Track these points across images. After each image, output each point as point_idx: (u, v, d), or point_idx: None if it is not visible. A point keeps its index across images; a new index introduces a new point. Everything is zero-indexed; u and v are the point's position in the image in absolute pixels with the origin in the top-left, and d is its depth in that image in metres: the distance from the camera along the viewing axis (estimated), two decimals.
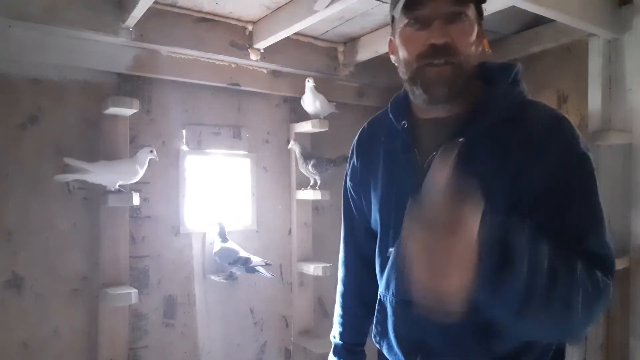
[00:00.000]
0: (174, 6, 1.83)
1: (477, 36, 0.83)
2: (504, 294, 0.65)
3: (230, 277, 2.07)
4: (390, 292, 0.94)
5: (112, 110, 1.74)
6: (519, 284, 0.64)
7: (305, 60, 2.22)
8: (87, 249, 1.81)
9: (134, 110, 1.77)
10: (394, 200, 0.93)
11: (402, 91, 0.97)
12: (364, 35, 2.19)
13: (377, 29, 2.12)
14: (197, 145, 2.11)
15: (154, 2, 1.58)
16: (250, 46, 2.02)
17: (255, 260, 2.03)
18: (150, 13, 1.69)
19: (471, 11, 0.81)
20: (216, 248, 2.04)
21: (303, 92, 2.18)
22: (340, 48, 2.32)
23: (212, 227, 2.10)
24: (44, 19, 1.58)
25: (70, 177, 1.67)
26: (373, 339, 1.01)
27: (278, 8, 1.84)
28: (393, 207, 0.93)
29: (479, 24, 0.84)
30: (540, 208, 0.77)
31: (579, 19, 1.73)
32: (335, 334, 1.15)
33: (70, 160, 1.65)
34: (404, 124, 0.92)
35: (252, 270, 2.02)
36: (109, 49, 1.80)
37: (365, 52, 2.21)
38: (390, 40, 0.90)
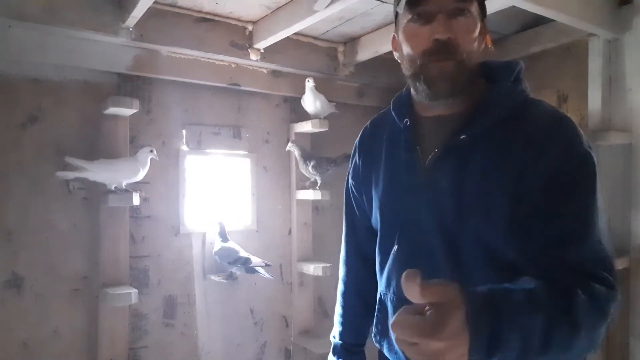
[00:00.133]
0: (174, 6, 1.83)
1: (480, 33, 0.83)
2: None
3: (230, 277, 2.07)
4: (391, 291, 0.94)
5: (112, 110, 1.74)
6: (512, 356, 0.61)
7: (305, 60, 2.22)
8: (87, 249, 1.81)
9: (134, 110, 1.77)
10: (396, 197, 0.93)
11: (404, 90, 0.97)
12: (364, 35, 2.19)
13: (377, 29, 2.11)
14: (197, 145, 2.11)
15: (154, 2, 1.59)
16: (250, 46, 2.02)
17: (255, 260, 2.03)
18: (150, 13, 1.69)
19: (474, 7, 0.81)
20: (216, 247, 2.04)
21: (303, 92, 2.18)
22: (340, 48, 2.32)
23: (212, 226, 2.10)
24: (44, 19, 1.58)
25: (71, 174, 1.67)
26: (373, 339, 1.01)
27: (278, 8, 1.84)
28: (394, 205, 0.93)
29: (482, 21, 0.84)
30: (540, 208, 0.76)
31: (579, 19, 1.73)
32: (335, 334, 1.15)
33: (71, 159, 1.65)
34: (406, 121, 0.92)
35: (251, 270, 2.02)
36: (109, 49, 1.80)
37: (365, 52, 2.21)
38: (394, 37, 0.91)
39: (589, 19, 1.76)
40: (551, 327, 0.64)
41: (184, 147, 2.07)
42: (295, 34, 2.02)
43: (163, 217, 2.00)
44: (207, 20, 1.93)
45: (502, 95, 0.85)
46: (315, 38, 2.23)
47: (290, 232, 2.37)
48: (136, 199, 1.76)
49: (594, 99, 1.93)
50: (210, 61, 2.05)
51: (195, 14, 1.89)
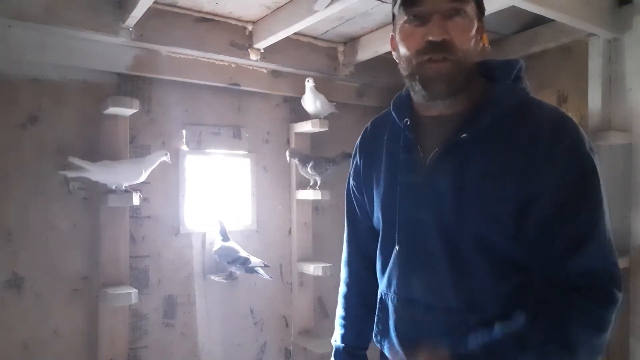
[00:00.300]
0: (174, 6, 1.83)
1: (477, 32, 0.83)
2: None
3: (230, 277, 2.07)
4: (392, 291, 0.93)
5: (112, 110, 1.74)
6: None
7: (305, 60, 2.22)
8: (87, 249, 1.81)
9: (134, 110, 1.77)
10: (397, 197, 0.93)
11: (404, 90, 0.97)
12: (364, 35, 2.20)
13: (377, 29, 2.12)
14: (197, 145, 2.11)
15: (154, 2, 1.59)
16: (250, 46, 2.02)
17: (255, 261, 2.03)
18: (150, 13, 1.69)
19: (470, 7, 0.81)
20: (216, 247, 2.04)
21: (303, 92, 2.18)
22: (340, 48, 2.32)
23: (212, 226, 2.10)
24: (44, 19, 1.58)
25: (73, 173, 1.67)
26: (374, 339, 1.00)
27: (278, 8, 1.84)
28: (395, 204, 0.93)
29: (480, 20, 0.84)
30: (544, 218, 0.77)
31: (579, 19, 1.73)
32: (336, 337, 1.12)
33: (74, 159, 1.65)
34: (407, 121, 0.92)
35: (251, 270, 2.02)
36: (109, 49, 1.80)
37: (365, 52, 2.21)
38: (392, 37, 0.91)
39: (589, 19, 1.76)
40: None
41: (184, 147, 2.07)
42: (295, 34, 2.02)
43: (163, 217, 2.00)
44: (207, 20, 1.93)
45: (501, 94, 0.85)
46: (315, 38, 2.23)
47: (290, 232, 2.37)
48: (136, 199, 1.76)
49: (594, 99, 1.93)
50: (210, 61, 2.05)
51: (195, 14, 1.89)
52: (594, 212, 0.76)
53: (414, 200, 0.89)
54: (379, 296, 1.00)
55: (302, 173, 2.22)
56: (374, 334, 1.00)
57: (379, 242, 0.99)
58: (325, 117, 2.20)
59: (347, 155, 2.15)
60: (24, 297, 1.69)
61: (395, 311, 0.93)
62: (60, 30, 1.65)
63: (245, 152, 2.26)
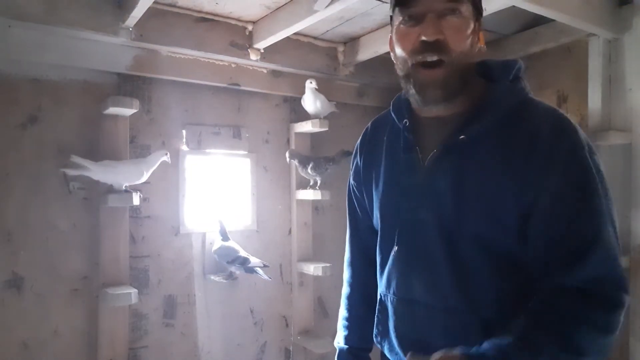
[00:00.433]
0: (174, 6, 1.83)
1: (474, 33, 0.82)
2: None
3: (230, 277, 2.07)
4: (391, 291, 0.93)
5: (112, 110, 1.74)
6: None
7: (305, 60, 2.22)
8: (87, 249, 1.81)
9: (134, 110, 1.77)
10: (395, 198, 0.93)
11: (404, 90, 0.97)
12: (364, 35, 2.20)
13: (377, 29, 2.12)
14: (197, 145, 2.11)
15: (154, 2, 1.59)
16: (250, 46, 2.02)
17: (254, 261, 2.03)
18: (150, 13, 1.69)
19: (465, 7, 0.80)
20: (216, 246, 2.04)
21: (303, 92, 2.18)
22: (340, 48, 2.32)
23: (212, 226, 2.10)
24: (44, 19, 1.58)
25: (74, 171, 1.67)
26: (374, 339, 1.00)
27: (278, 8, 1.84)
28: (394, 205, 0.93)
29: (477, 21, 0.83)
30: (546, 223, 0.77)
31: (578, 19, 1.73)
32: (339, 339, 1.10)
33: (76, 158, 1.65)
34: (406, 122, 0.92)
35: (250, 270, 2.02)
36: (109, 49, 1.80)
37: (365, 52, 2.21)
38: (390, 38, 0.91)
39: (589, 19, 1.76)
40: None
41: (184, 147, 2.07)
42: (295, 33, 2.02)
43: (163, 217, 2.00)
44: (207, 20, 1.93)
45: (501, 94, 0.85)
46: (315, 38, 2.23)
47: (290, 232, 2.37)
48: (136, 199, 1.76)
49: (594, 99, 1.93)
50: (210, 61, 2.05)
51: (195, 14, 1.89)
52: (596, 218, 0.76)
53: (414, 201, 0.89)
54: (378, 297, 1.00)
55: (302, 174, 2.22)
56: (374, 335, 1.00)
57: (377, 243, 0.99)
58: (325, 117, 2.20)
59: (347, 153, 2.15)
60: (24, 297, 1.70)
61: (395, 312, 0.93)
62: (60, 30, 1.65)
63: (245, 152, 2.26)
